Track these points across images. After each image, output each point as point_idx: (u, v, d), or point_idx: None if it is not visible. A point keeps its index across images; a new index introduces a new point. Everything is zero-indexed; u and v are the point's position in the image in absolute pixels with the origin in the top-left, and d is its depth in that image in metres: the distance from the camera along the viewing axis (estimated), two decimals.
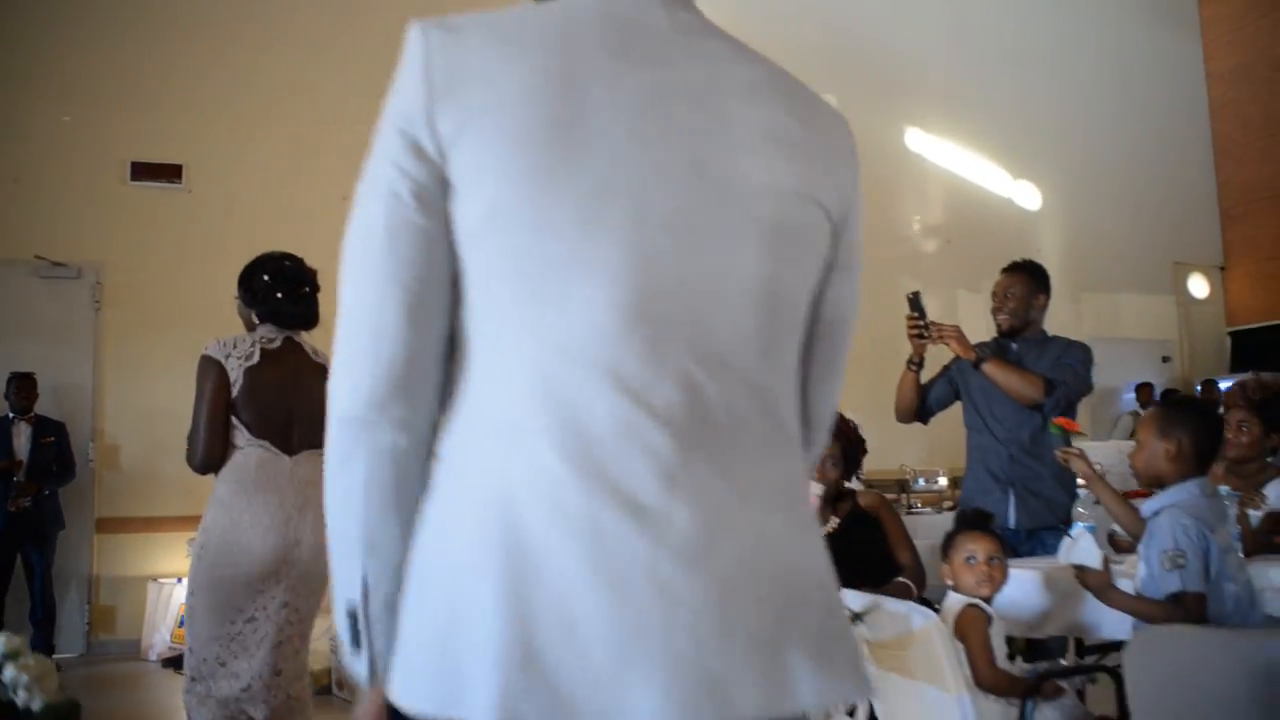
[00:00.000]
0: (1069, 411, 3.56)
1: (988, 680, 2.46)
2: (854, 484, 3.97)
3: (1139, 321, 9.91)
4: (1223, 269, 10.47)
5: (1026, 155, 9.15)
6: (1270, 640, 1.92)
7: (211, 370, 2.86)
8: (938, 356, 3.91)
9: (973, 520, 2.75)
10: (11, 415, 5.99)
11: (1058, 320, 8.80)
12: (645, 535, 0.94)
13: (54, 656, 5.92)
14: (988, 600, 2.62)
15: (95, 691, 5.50)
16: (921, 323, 3.71)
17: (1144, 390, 9.37)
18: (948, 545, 2.70)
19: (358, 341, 1.02)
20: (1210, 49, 10.54)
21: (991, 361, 3.63)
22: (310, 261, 3.16)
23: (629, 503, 0.95)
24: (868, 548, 3.29)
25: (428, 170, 1.02)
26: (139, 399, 6.64)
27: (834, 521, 3.37)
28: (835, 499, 3.44)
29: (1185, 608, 2.29)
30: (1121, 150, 9.65)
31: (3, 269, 6.44)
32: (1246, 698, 1.76)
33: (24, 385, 6.04)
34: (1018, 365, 3.64)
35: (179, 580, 6.36)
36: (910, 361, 3.83)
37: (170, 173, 6.80)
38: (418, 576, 1.01)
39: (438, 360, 1.04)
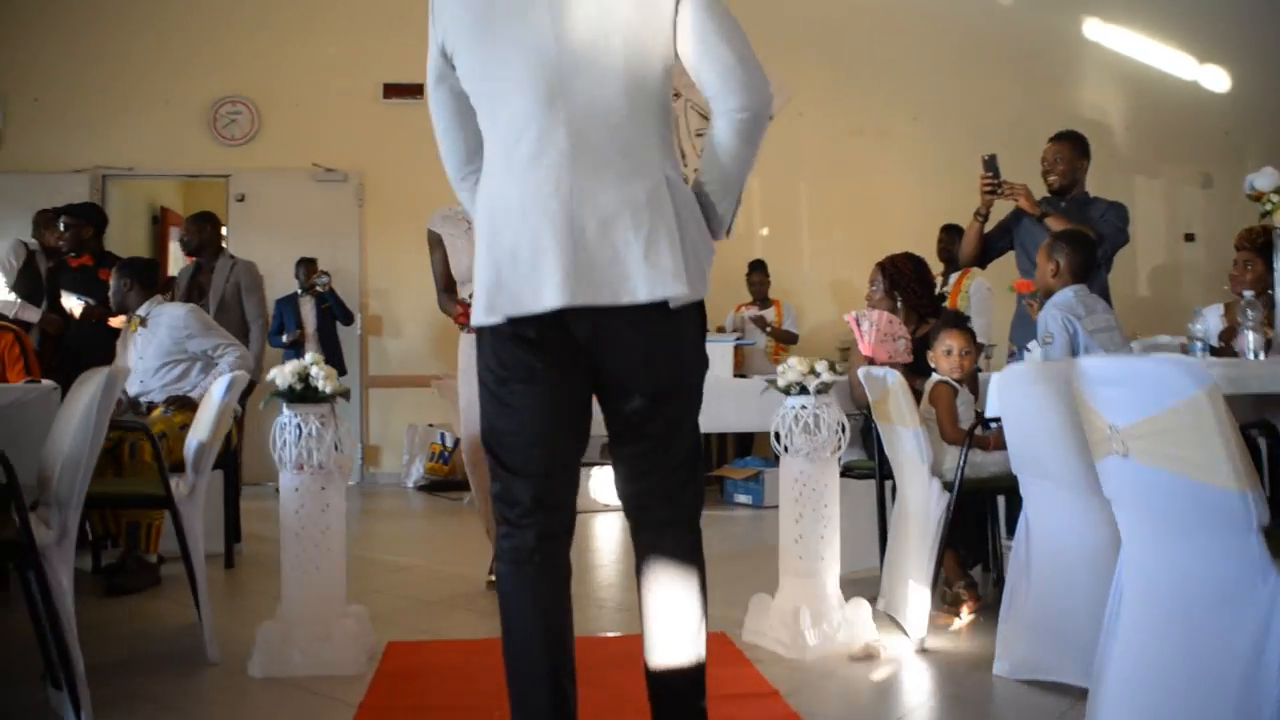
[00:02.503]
0: (1108, 261, 4.28)
1: (949, 435, 3.38)
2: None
3: None
4: None
5: (1214, 37, 9.12)
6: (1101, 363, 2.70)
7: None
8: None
9: (952, 320, 3.61)
10: (299, 291, 7.54)
11: (1246, 203, 8.94)
12: (549, 207, 1.78)
13: None
14: (959, 381, 3.48)
15: (366, 508, 7.04)
16: (996, 181, 4.41)
17: None
18: (934, 339, 3.57)
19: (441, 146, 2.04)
20: None
21: (1053, 216, 4.32)
22: None
23: (542, 192, 1.79)
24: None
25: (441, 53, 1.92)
26: (394, 278, 8.10)
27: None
28: (916, 324, 4.22)
29: None
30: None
31: (287, 175, 7.99)
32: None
33: (310, 267, 7.55)
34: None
35: (429, 425, 7.85)
36: (977, 213, 4.53)
37: (415, 91, 8.07)
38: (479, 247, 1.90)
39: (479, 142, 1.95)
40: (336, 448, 2.97)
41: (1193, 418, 1.82)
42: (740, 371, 6.92)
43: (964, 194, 7.45)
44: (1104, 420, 2.11)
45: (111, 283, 4.66)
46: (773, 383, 3.27)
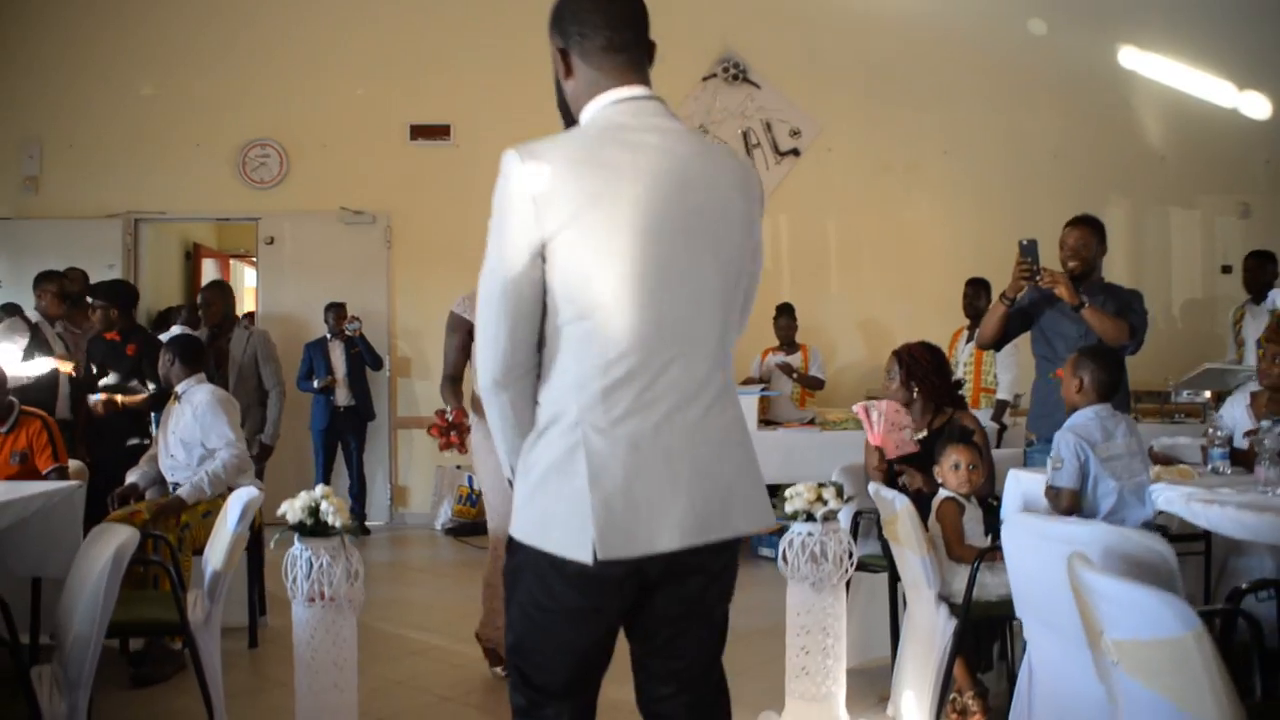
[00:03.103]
0: (1136, 350, 4.23)
1: (955, 552, 3.35)
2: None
3: None
4: None
5: (1254, 64, 8.95)
6: (1104, 533, 2.67)
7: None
8: None
9: (959, 436, 3.58)
10: (329, 336, 7.61)
11: None
12: (670, 444, 1.71)
13: (364, 522, 7.64)
14: (966, 496, 3.46)
15: (395, 548, 7.12)
16: (1034, 268, 4.29)
17: None
18: (940, 453, 3.55)
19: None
20: None
21: (1090, 309, 4.18)
22: None
23: (659, 427, 1.71)
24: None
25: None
26: (422, 319, 8.15)
27: (923, 432, 4.19)
28: (933, 415, 4.22)
29: (1055, 497, 3.21)
30: None
31: (317, 218, 8.05)
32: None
33: (338, 312, 7.60)
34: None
35: (457, 467, 7.90)
36: (1004, 296, 4.43)
37: (441, 132, 8.16)
38: (540, 470, 1.75)
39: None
40: (350, 579, 3.01)
41: (1180, 655, 1.80)
42: (765, 417, 6.91)
43: (996, 230, 7.44)
44: (1098, 621, 2.09)
45: (161, 357, 4.75)
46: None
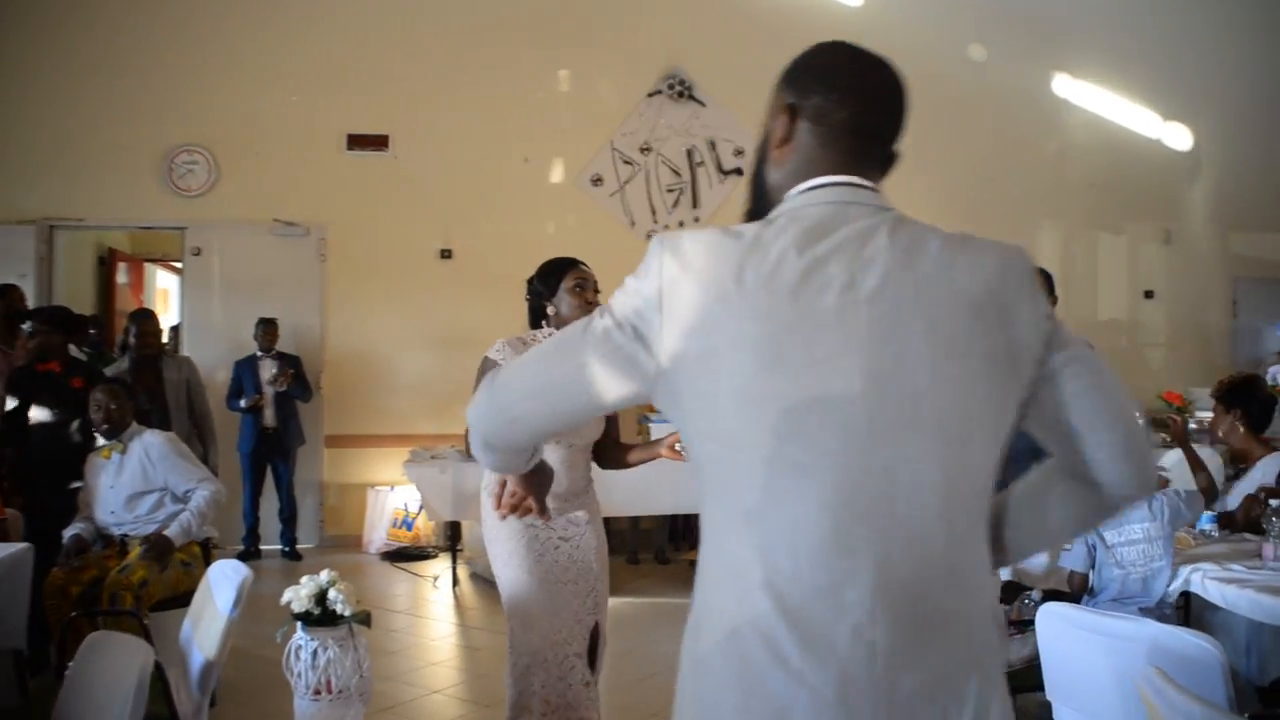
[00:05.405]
0: None
1: None
2: None
3: None
4: None
5: (1179, 96, 9.19)
6: (1153, 631, 2.67)
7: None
8: None
9: None
10: (259, 353, 7.27)
11: (1204, 260, 9.06)
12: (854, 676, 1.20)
13: (296, 547, 7.35)
14: None
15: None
16: None
17: None
18: None
19: None
20: None
21: None
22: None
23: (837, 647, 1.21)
24: None
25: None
26: (357, 335, 7.88)
27: None
28: None
29: (1069, 577, 3.30)
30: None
31: (248, 229, 7.70)
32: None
33: (269, 328, 7.27)
34: None
35: (391, 488, 7.65)
36: None
37: (379, 142, 7.88)
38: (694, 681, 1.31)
39: None
40: (358, 670, 2.83)
41: None
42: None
43: None
44: None
45: (100, 399, 4.40)
46: None
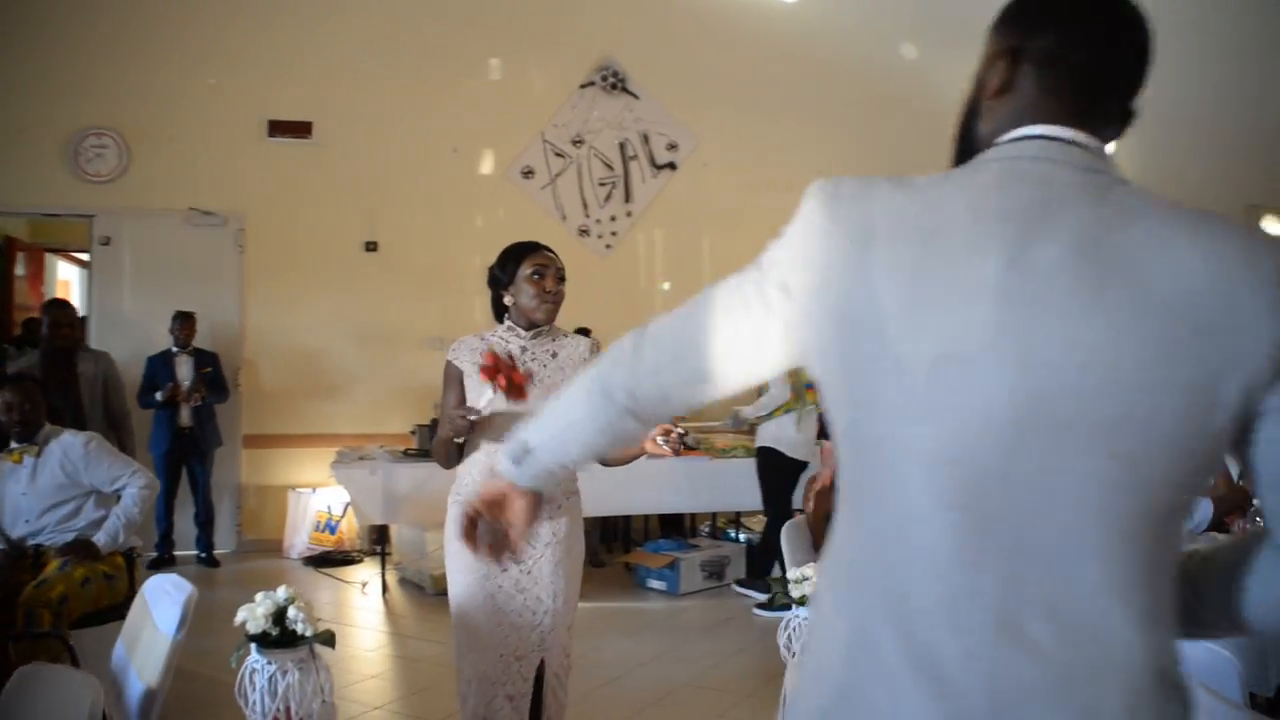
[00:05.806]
0: None
1: None
2: None
3: None
4: None
5: None
6: None
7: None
8: None
9: None
10: (175, 349, 6.89)
11: None
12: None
13: (213, 553, 7.01)
14: None
15: (248, 582, 6.51)
16: None
17: None
18: None
19: None
20: None
21: None
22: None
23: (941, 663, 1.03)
24: None
25: None
26: (278, 331, 7.54)
27: None
28: None
29: None
30: (1198, 91, 9.72)
31: (161, 219, 7.29)
32: None
33: (186, 323, 6.89)
34: None
35: (313, 490, 7.34)
36: None
37: (301, 129, 7.54)
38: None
39: None
40: (319, 694, 2.61)
41: None
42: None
43: None
44: None
45: (10, 398, 4.06)
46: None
